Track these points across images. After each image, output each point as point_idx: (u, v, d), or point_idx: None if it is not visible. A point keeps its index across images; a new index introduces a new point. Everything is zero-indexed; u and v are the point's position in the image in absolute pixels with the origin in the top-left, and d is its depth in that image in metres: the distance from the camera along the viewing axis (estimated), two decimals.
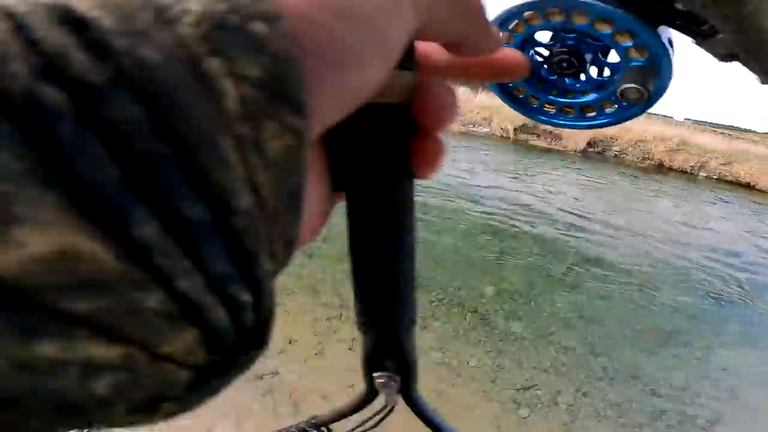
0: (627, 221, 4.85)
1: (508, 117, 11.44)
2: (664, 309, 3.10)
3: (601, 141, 10.52)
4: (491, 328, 2.58)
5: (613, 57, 0.25)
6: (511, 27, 0.26)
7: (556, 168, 7.65)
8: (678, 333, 2.81)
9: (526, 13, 0.24)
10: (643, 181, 7.72)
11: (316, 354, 2.17)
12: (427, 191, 5.12)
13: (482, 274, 3.22)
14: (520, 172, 6.87)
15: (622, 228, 4.61)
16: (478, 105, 12.63)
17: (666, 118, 17.64)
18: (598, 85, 0.27)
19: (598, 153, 10.47)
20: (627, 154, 10.04)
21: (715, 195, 7.42)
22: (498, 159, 8.13)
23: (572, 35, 0.25)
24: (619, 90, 0.25)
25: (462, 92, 13.85)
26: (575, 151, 10.32)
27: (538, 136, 11.29)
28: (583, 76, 0.27)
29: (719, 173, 8.66)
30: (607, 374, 2.32)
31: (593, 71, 0.27)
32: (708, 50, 0.24)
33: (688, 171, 8.90)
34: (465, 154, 8.28)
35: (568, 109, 0.28)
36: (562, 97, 0.28)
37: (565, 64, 0.26)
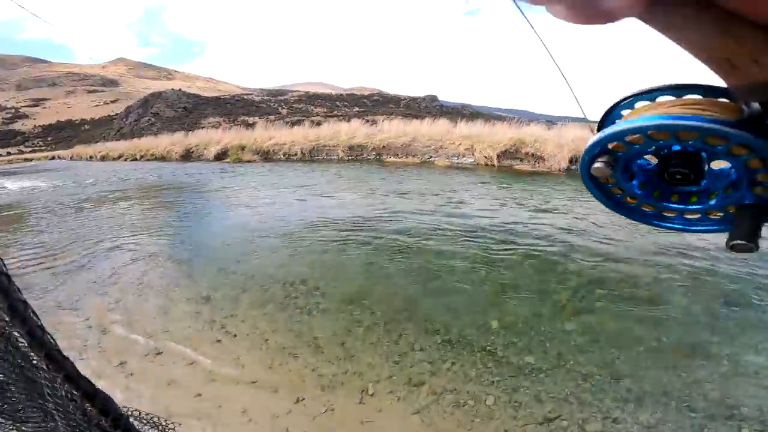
0: (626, 236, 4.82)
1: (490, 144, 11.73)
2: (680, 321, 2.97)
3: None
4: (503, 364, 2.45)
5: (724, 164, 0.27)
6: (611, 147, 0.28)
7: (543, 189, 7.72)
8: (700, 344, 2.68)
9: (628, 137, 0.26)
10: None
11: (325, 411, 2.04)
12: (422, 232, 5.10)
13: (485, 309, 3.12)
14: (509, 198, 6.91)
15: (622, 243, 4.58)
16: (459, 136, 12.95)
17: None
18: (711, 194, 0.29)
19: None
20: None
21: None
22: (486, 187, 8.21)
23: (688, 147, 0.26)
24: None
25: (443, 124, 14.27)
26: (559, 170, 10.48)
27: (521, 160, 11.53)
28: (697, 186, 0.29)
29: None
30: (634, 396, 2.18)
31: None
32: None
33: None
34: (456, 186, 8.37)
35: (668, 213, 0.30)
36: (668, 202, 0.30)
37: (678, 177, 0.27)
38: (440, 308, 3.08)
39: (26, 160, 35.00)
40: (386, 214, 5.77)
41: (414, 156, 13.12)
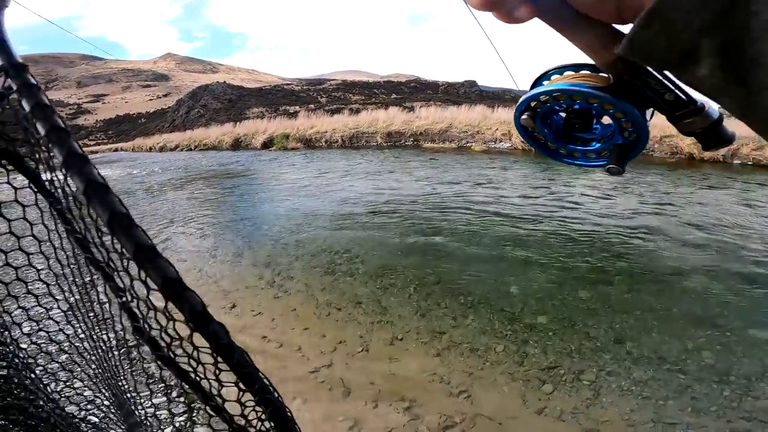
0: (657, 215, 4.92)
1: None
2: (695, 295, 3.11)
3: None
4: (516, 322, 2.82)
5: (609, 122, 0.38)
6: (533, 105, 0.39)
7: (582, 174, 7.75)
8: (709, 317, 2.83)
9: (542, 97, 0.37)
10: (677, 173, 7.62)
11: (362, 350, 2.56)
12: (453, 209, 5.46)
13: (509, 277, 3.46)
14: (542, 180, 7.06)
15: (653, 222, 4.70)
16: (496, 121, 12.95)
17: None
18: (600, 138, 0.40)
19: None
20: (654, 151, 9.90)
21: (747, 181, 7.20)
22: (519, 169, 8.34)
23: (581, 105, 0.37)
24: (613, 147, 0.38)
25: (480, 110, 14.27)
26: None
27: None
28: (591, 131, 0.40)
29: (753, 159, 8.40)
30: (632, 356, 2.43)
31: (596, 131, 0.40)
32: (678, 128, 0.34)
33: (722, 160, 8.68)
34: (490, 169, 8.56)
35: (575, 153, 0.42)
36: (575, 145, 0.42)
37: (577, 125, 0.39)
38: (466, 276, 3.47)
39: (92, 152, 38.37)
40: (419, 194, 6.17)
41: (451, 141, 13.30)
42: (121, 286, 0.38)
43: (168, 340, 0.38)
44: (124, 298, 0.38)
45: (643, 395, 2.13)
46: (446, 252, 3.95)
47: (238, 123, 23.46)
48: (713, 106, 0.33)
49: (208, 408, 0.41)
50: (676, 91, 0.32)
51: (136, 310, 0.39)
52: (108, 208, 0.30)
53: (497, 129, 12.40)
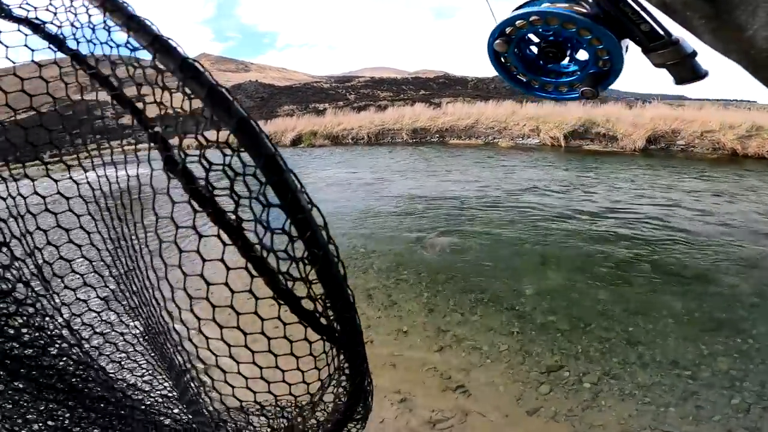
0: (691, 216, 4.70)
1: (557, 124, 11.33)
2: (721, 300, 2.97)
3: (662, 137, 9.97)
4: (526, 322, 2.80)
5: (585, 54, 0.37)
6: (508, 32, 0.37)
7: (609, 168, 7.48)
8: (732, 322, 2.70)
9: (518, 22, 0.36)
10: (717, 170, 7.20)
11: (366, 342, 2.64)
12: (473, 206, 5.44)
13: (523, 276, 3.44)
14: (569, 177, 6.87)
15: (685, 222, 4.50)
16: (524, 117, 12.64)
17: (727, 102, 15.58)
18: (577, 69, 0.38)
19: (661, 149, 9.92)
20: (695, 147, 9.38)
21: None
22: (547, 166, 8.14)
23: (554, 33, 0.36)
24: (588, 75, 0.37)
25: (509, 105, 13.97)
26: (635, 150, 9.88)
27: (592, 140, 10.99)
28: (565, 62, 0.38)
29: None
30: (642, 360, 2.36)
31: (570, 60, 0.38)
32: (651, 59, 0.33)
33: (766, 156, 8.12)
34: (515, 166, 8.41)
35: (548, 86, 0.40)
36: (548, 77, 0.40)
37: (551, 54, 0.38)
38: (479, 273, 3.47)
39: (135, 150, 40.38)
40: (439, 191, 6.17)
41: (477, 138, 13.12)
42: None
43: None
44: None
45: (644, 400, 2.08)
46: (461, 249, 3.96)
47: (268, 121, 24.07)
48: (687, 42, 0.33)
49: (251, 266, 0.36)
50: (652, 22, 0.32)
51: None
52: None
53: (525, 125, 12.12)
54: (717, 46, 0.25)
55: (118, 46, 0.47)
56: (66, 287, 0.72)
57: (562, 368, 2.35)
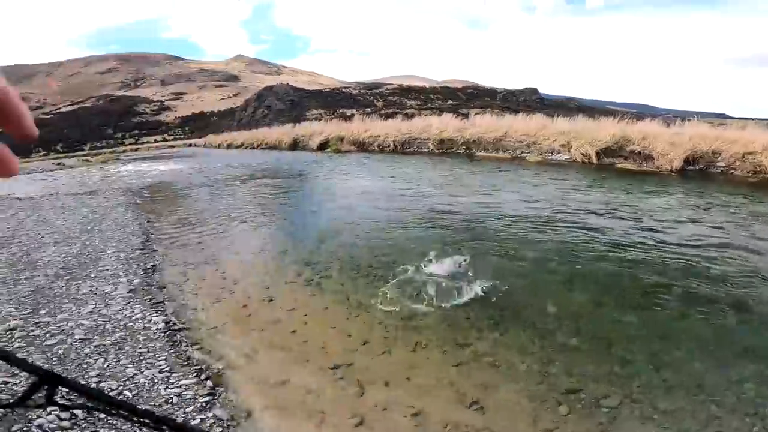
0: (730, 241, 4.50)
1: (589, 140, 11.08)
2: (754, 328, 2.85)
3: (701, 157, 9.59)
4: (548, 341, 2.76)
5: None
6: None
7: (641, 188, 7.26)
8: (761, 349, 2.58)
9: None
10: (760, 194, 6.86)
11: (383, 353, 2.68)
12: (499, 220, 5.40)
13: (547, 295, 3.39)
14: (599, 195, 6.72)
15: (723, 247, 4.31)
16: (555, 131, 12.43)
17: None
18: None
19: (699, 171, 9.54)
20: (735, 169, 8.99)
21: None
22: (576, 183, 7.98)
23: None
24: None
25: (539, 119, 13.78)
26: (671, 170, 9.54)
27: (626, 158, 10.69)
28: None
29: None
30: (666, 385, 2.29)
31: None
32: None
33: None
34: (543, 181, 8.30)
35: None
36: None
37: None
38: (501, 289, 3.43)
39: (170, 146, 42.06)
40: (464, 203, 6.16)
41: (505, 151, 12.99)
42: None
43: None
44: None
45: (665, 425, 2.03)
46: (485, 263, 3.94)
47: (297, 124, 24.63)
48: None
49: None
50: None
51: None
52: None
53: (555, 140, 11.91)
54: None
55: None
56: None
57: (581, 390, 2.30)
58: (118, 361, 2.52)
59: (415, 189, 7.77)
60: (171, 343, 2.76)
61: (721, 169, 9.29)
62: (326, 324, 3.02)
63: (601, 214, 5.53)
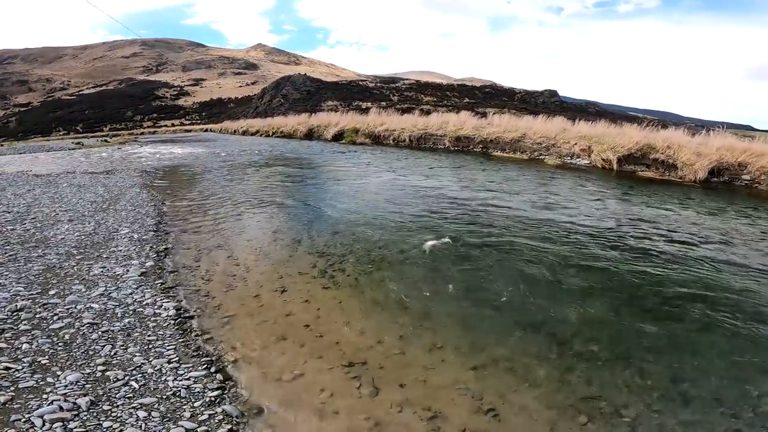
0: (756, 254, 4.31)
1: (611, 146, 10.78)
2: None
3: (727, 169, 9.27)
4: (566, 348, 2.66)
5: None
6: None
7: (660, 197, 7.02)
8: None
9: None
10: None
11: (398, 353, 2.59)
12: (515, 225, 5.26)
13: (565, 301, 3.27)
14: (620, 202, 6.52)
15: (748, 260, 4.13)
16: (575, 135, 12.14)
17: None
18: None
19: (724, 183, 9.22)
20: (760, 183, 8.66)
21: None
22: (596, 189, 7.76)
23: None
24: None
25: (559, 122, 13.48)
26: (695, 181, 9.23)
27: (648, 166, 10.38)
28: None
29: None
30: (685, 397, 2.24)
31: None
32: None
33: None
34: (562, 186, 8.10)
35: None
36: None
37: None
38: (519, 294, 3.33)
39: (186, 131, 42.58)
40: (482, 202, 6.02)
41: (522, 152, 12.75)
42: None
43: None
44: None
45: None
46: (502, 266, 3.82)
47: (313, 114, 24.60)
48: None
49: None
50: None
51: None
52: None
53: (576, 144, 11.62)
54: None
55: None
56: None
57: (600, 399, 2.22)
58: (126, 348, 2.46)
59: (435, 186, 7.64)
60: (181, 332, 2.70)
61: (746, 182, 8.98)
62: (340, 319, 2.93)
63: (623, 223, 5.35)
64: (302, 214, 5.56)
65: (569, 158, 11.65)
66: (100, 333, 2.61)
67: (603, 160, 10.74)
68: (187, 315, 2.92)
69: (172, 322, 2.81)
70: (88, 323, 2.70)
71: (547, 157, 12.15)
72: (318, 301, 3.18)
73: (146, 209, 5.75)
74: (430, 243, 4.26)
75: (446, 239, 4.39)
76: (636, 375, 2.41)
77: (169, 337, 2.62)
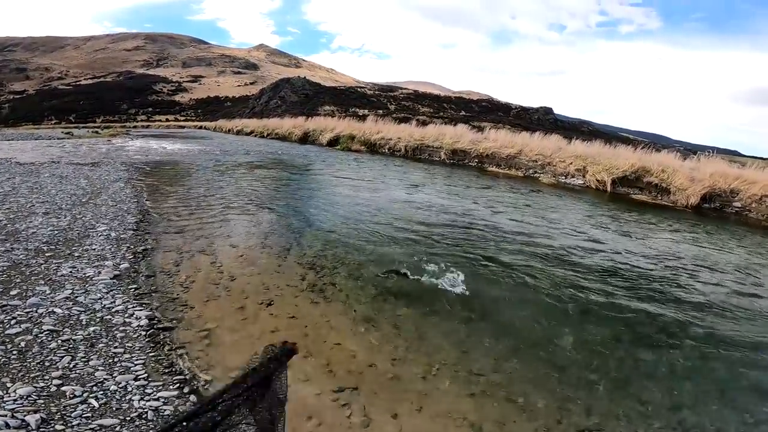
0: (755, 286, 4.23)
1: (606, 167, 10.78)
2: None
3: (719, 196, 9.31)
4: (565, 376, 2.54)
5: None
6: None
7: (658, 223, 6.97)
8: None
9: None
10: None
11: (392, 377, 2.38)
12: (508, 238, 5.11)
13: (563, 327, 3.14)
14: (615, 225, 6.43)
15: (747, 291, 4.06)
16: (571, 155, 12.14)
17: None
18: None
19: (714, 209, 9.26)
20: (750, 211, 8.70)
21: None
22: (591, 211, 7.69)
23: None
24: None
25: (555, 140, 13.50)
26: (687, 206, 9.25)
27: (641, 189, 10.40)
28: None
29: None
30: (685, 425, 2.20)
31: None
32: None
33: None
34: (558, 205, 8.02)
35: None
36: None
37: None
38: (516, 317, 3.19)
39: (180, 127, 42.06)
40: (478, 219, 5.87)
41: (518, 169, 12.71)
42: None
43: None
44: None
45: None
46: (499, 287, 3.65)
47: (309, 118, 24.43)
48: None
49: None
50: None
51: None
52: None
53: (571, 163, 11.62)
54: None
55: None
56: None
57: (601, 430, 2.13)
58: (88, 361, 2.22)
59: (429, 199, 7.48)
60: (153, 345, 2.45)
61: (736, 209, 9.03)
62: (329, 339, 2.71)
63: (618, 247, 5.24)
64: (293, 221, 5.31)
65: (564, 177, 11.63)
66: (60, 342, 2.36)
67: (597, 181, 10.73)
68: (161, 326, 2.67)
69: (143, 333, 2.56)
70: (47, 330, 2.45)
71: (542, 175, 12.12)
72: (306, 317, 2.94)
73: (128, 206, 5.47)
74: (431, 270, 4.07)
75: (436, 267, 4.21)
76: (636, 403, 2.38)
77: (139, 350, 2.38)
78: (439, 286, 3.55)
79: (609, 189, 10.43)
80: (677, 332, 3.19)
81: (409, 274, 3.73)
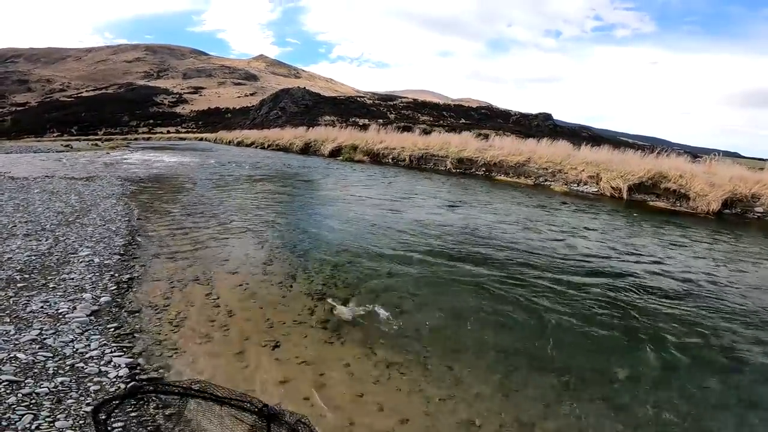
0: None
1: (621, 174, 10.35)
2: None
3: (740, 201, 8.88)
4: (627, 416, 2.14)
5: None
6: None
7: (686, 232, 6.51)
8: None
9: None
10: None
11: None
12: (539, 258, 4.66)
13: (611, 356, 2.72)
14: (645, 238, 5.98)
15: None
16: (581, 161, 11.72)
17: None
18: None
19: (736, 215, 8.82)
20: None
21: None
22: (614, 220, 7.24)
23: None
24: None
25: (563, 146, 13.10)
26: (708, 213, 8.80)
27: (658, 196, 9.95)
28: None
29: None
30: None
31: None
32: None
33: None
34: (576, 215, 7.58)
35: None
36: None
37: None
38: (557, 348, 2.75)
39: (180, 138, 41.92)
40: (505, 237, 5.43)
41: (527, 177, 12.29)
42: None
43: None
44: None
45: None
46: (533, 314, 3.18)
47: (310, 128, 24.15)
48: None
49: None
50: None
51: None
52: None
53: (583, 170, 11.19)
54: None
55: None
56: None
57: None
58: (54, 421, 1.77)
59: (444, 213, 7.04)
60: (133, 402, 1.99)
61: (759, 214, 8.63)
62: (349, 388, 2.22)
63: (648, 261, 4.79)
64: (297, 242, 4.81)
65: (576, 185, 11.20)
66: (20, 396, 1.90)
67: (612, 188, 10.30)
68: (144, 377, 2.21)
69: (123, 386, 2.10)
70: (6, 381, 2.00)
71: (553, 183, 11.70)
72: (320, 361, 2.44)
73: (117, 225, 5.01)
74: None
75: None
76: None
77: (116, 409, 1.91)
78: (464, 318, 3.08)
79: (625, 196, 9.99)
80: (742, 354, 2.81)
81: (429, 304, 3.26)
